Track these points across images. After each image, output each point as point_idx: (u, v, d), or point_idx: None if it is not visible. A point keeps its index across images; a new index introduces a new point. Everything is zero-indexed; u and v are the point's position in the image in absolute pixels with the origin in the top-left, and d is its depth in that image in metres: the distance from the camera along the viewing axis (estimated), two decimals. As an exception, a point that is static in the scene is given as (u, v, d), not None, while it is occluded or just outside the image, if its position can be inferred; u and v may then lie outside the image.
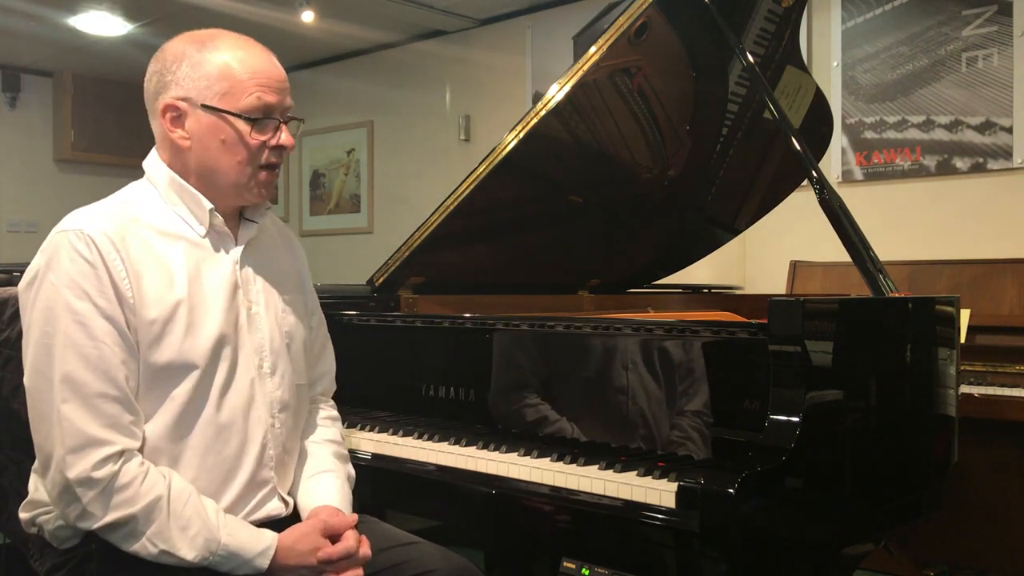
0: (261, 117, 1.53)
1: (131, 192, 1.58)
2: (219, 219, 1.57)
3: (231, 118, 1.51)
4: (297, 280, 1.73)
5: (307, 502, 1.62)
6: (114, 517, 1.38)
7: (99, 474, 1.38)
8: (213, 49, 1.53)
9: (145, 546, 1.39)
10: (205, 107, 1.51)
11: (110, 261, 1.43)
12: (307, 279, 1.78)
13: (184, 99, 1.52)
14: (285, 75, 1.58)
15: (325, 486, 1.64)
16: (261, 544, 1.45)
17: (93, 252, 1.42)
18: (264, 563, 1.44)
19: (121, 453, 1.40)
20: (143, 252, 1.47)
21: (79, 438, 1.38)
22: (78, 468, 1.37)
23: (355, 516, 1.59)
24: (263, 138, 1.54)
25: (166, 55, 1.55)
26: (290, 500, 1.63)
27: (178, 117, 1.53)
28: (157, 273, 1.48)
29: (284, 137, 1.56)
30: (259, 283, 1.62)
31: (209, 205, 1.55)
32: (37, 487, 1.53)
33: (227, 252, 1.58)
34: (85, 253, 1.42)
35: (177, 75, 1.52)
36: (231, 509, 1.50)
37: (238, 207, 1.62)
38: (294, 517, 1.63)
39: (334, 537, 1.51)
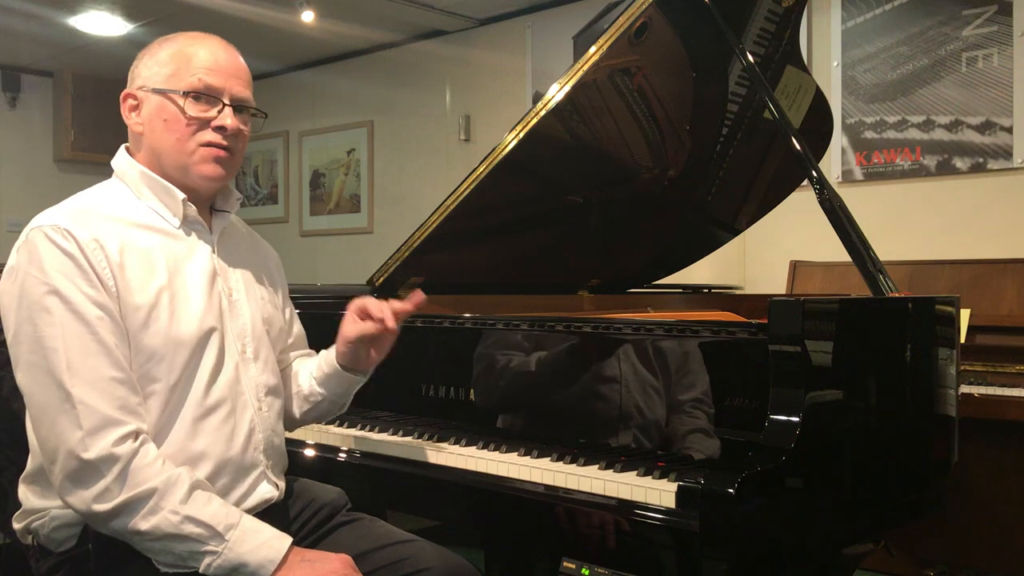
0: (201, 94, 1.56)
1: (100, 190, 1.60)
2: (192, 209, 1.59)
3: (172, 95, 1.55)
4: (268, 274, 1.77)
5: (325, 356, 1.79)
6: (133, 493, 1.38)
7: (120, 450, 1.38)
8: (172, 41, 1.60)
9: (167, 518, 1.38)
10: (154, 91, 1.56)
11: (89, 252, 1.44)
12: (280, 275, 1.82)
13: (140, 87, 1.58)
14: (242, 68, 1.63)
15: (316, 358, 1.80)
16: (282, 537, 1.46)
17: (71, 244, 1.43)
18: (282, 545, 1.44)
19: (137, 434, 1.41)
20: (120, 244, 1.49)
21: (97, 418, 1.38)
22: (98, 447, 1.37)
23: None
24: (200, 115, 1.56)
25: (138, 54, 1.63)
26: (281, 484, 1.65)
27: (136, 106, 1.59)
28: (137, 262, 1.49)
29: (228, 120, 1.57)
30: (236, 271, 1.66)
31: (182, 195, 1.57)
32: (27, 496, 1.54)
33: (203, 241, 1.61)
34: (64, 245, 1.43)
35: (138, 68, 1.60)
36: (222, 494, 1.51)
37: (209, 197, 1.64)
38: (286, 502, 1.66)
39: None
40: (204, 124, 1.56)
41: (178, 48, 1.58)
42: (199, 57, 1.57)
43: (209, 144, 1.57)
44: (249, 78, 1.64)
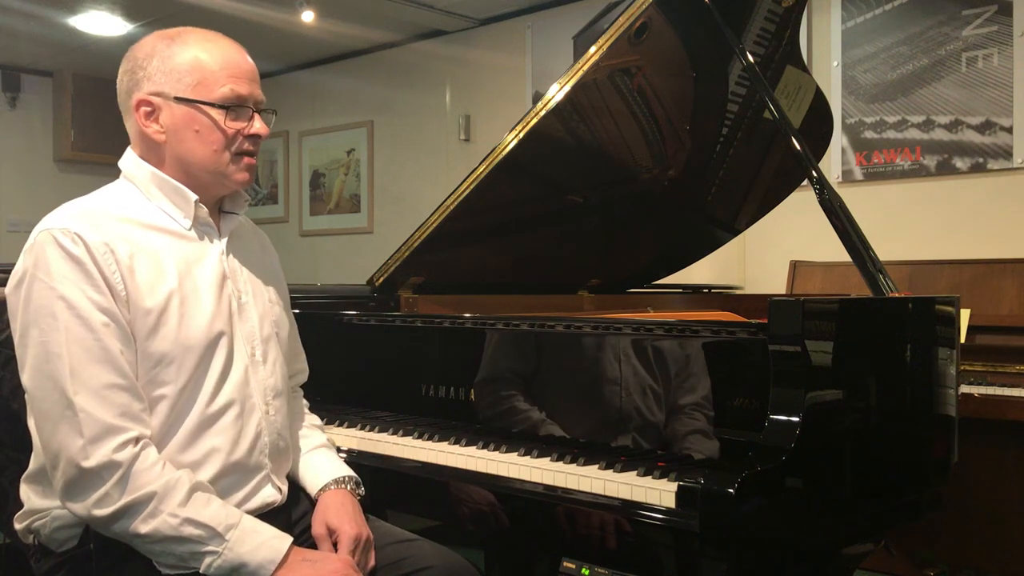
0: (235, 106, 1.55)
1: (109, 191, 1.59)
2: (204, 211, 1.59)
3: (205, 108, 1.54)
4: (275, 275, 1.76)
5: (312, 477, 1.71)
6: (133, 496, 1.38)
7: (120, 456, 1.38)
8: (183, 44, 1.56)
9: (166, 520, 1.39)
10: (179, 99, 1.54)
11: (99, 256, 1.43)
12: (282, 276, 1.81)
13: (157, 94, 1.55)
14: (255, 68, 1.62)
15: (325, 461, 1.74)
16: (282, 537, 1.47)
17: (80, 247, 1.43)
18: (283, 545, 1.45)
19: (138, 439, 1.41)
20: (131, 246, 1.48)
21: (98, 426, 1.38)
22: (99, 455, 1.37)
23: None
24: (237, 126, 1.56)
25: (136, 54, 1.58)
26: (284, 487, 1.65)
27: (152, 112, 1.56)
28: (147, 265, 1.49)
29: (258, 125, 1.58)
30: (245, 274, 1.65)
31: (194, 197, 1.57)
32: (29, 496, 1.53)
33: (212, 243, 1.60)
34: (72, 249, 1.43)
35: (148, 71, 1.55)
36: (225, 495, 1.51)
37: (218, 199, 1.64)
38: (288, 505, 1.66)
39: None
40: (239, 134, 1.57)
41: (196, 53, 1.55)
42: (220, 64, 1.55)
43: (244, 153, 1.58)
44: (259, 76, 1.63)
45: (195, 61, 1.54)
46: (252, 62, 1.62)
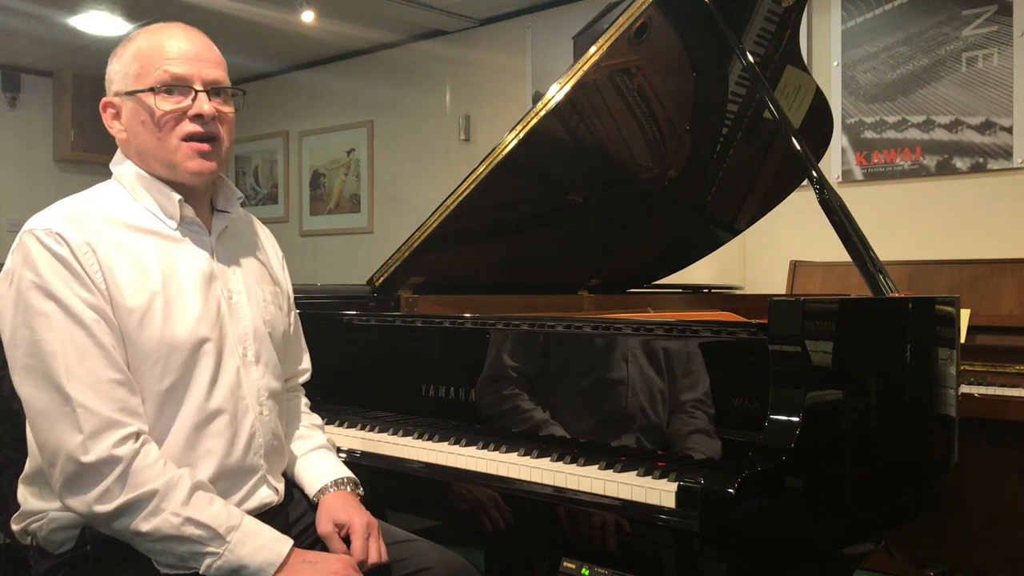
0: (168, 87, 1.52)
1: (98, 191, 1.58)
2: (190, 210, 1.57)
3: (142, 96, 1.53)
4: (273, 273, 1.75)
5: (310, 479, 1.70)
6: (135, 494, 1.37)
7: (120, 451, 1.38)
8: (133, 40, 1.57)
9: (168, 519, 1.38)
10: (127, 94, 1.54)
11: (81, 255, 1.43)
12: (283, 273, 1.79)
13: (116, 93, 1.56)
14: (208, 49, 1.58)
15: (324, 463, 1.74)
16: (282, 540, 1.46)
17: (64, 247, 1.43)
18: (283, 548, 1.44)
19: (138, 435, 1.41)
20: (113, 247, 1.48)
21: (97, 421, 1.38)
22: (98, 450, 1.37)
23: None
24: (173, 107, 1.52)
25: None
26: (281, 487, 1.64)
27: (116, 113, 1.57)
28: (129, 266, 1.48)
29: (204, 106, 1.53)
30: (237, 273, 1.63)
31: (177, 196, 1.55)
32: (26, 498, 1.53)
33: (201, 243, 1.59)
34: (56, 248, 1.43)
35: (110, 74, 1.58)
36: (221, 497, 1.49)
37: (206, 196, 1.62)
38: (287, 505, 1.66)
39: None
40: (180, 116, 1.52)
41: (139, 45, 1.55)
42: (161, 49, 1.53)
43: (190, 137, 1.53)
44: (218, 58, 1.59)
45: (136, 52, 1.55)
46: (206, 44, 1.58)
